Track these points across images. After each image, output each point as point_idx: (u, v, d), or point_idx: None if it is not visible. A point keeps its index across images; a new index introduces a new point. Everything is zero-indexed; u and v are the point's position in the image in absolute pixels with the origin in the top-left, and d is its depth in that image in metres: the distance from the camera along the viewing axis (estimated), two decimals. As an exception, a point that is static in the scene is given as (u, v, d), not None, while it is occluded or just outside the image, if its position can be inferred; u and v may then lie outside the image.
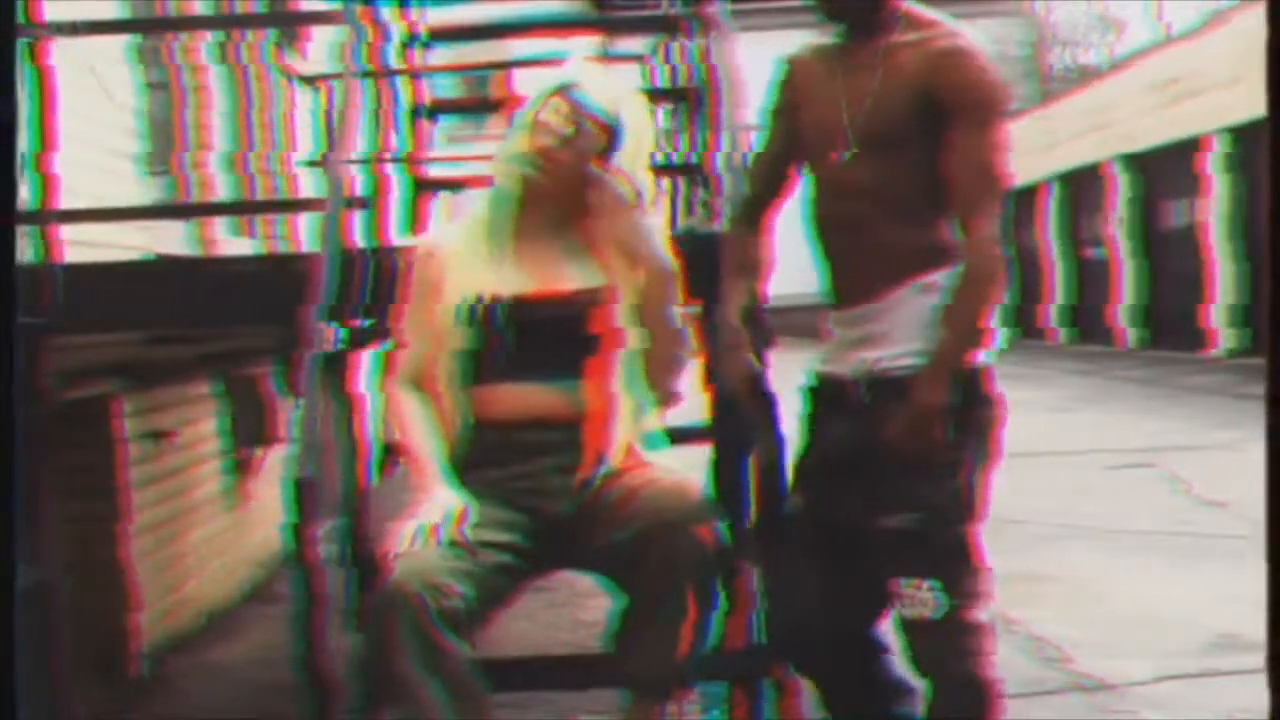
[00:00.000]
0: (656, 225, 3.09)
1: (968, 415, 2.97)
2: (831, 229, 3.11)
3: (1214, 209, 18.67)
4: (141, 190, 6.30)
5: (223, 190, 7.49)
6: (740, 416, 3.37)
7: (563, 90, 3.05)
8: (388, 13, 5.29)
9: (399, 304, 3.17)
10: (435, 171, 6.20)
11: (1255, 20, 13.85)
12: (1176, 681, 4.80)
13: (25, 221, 4.23)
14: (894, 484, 2.95)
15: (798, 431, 3.21)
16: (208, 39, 7.42)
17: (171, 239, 6.38)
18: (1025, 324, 25.83)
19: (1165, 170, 20.50)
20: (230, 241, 7.29)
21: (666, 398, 3.13)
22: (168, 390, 6.14)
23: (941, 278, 2.98)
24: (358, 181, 4.84)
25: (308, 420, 3.31)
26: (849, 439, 3.04)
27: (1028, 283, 25.77)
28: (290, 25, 8.57)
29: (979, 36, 3.03)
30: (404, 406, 3.09)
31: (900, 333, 2.99)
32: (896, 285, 3.00)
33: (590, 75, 3.11)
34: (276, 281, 3.80)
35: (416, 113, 5.66)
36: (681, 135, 5.80)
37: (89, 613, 5.11)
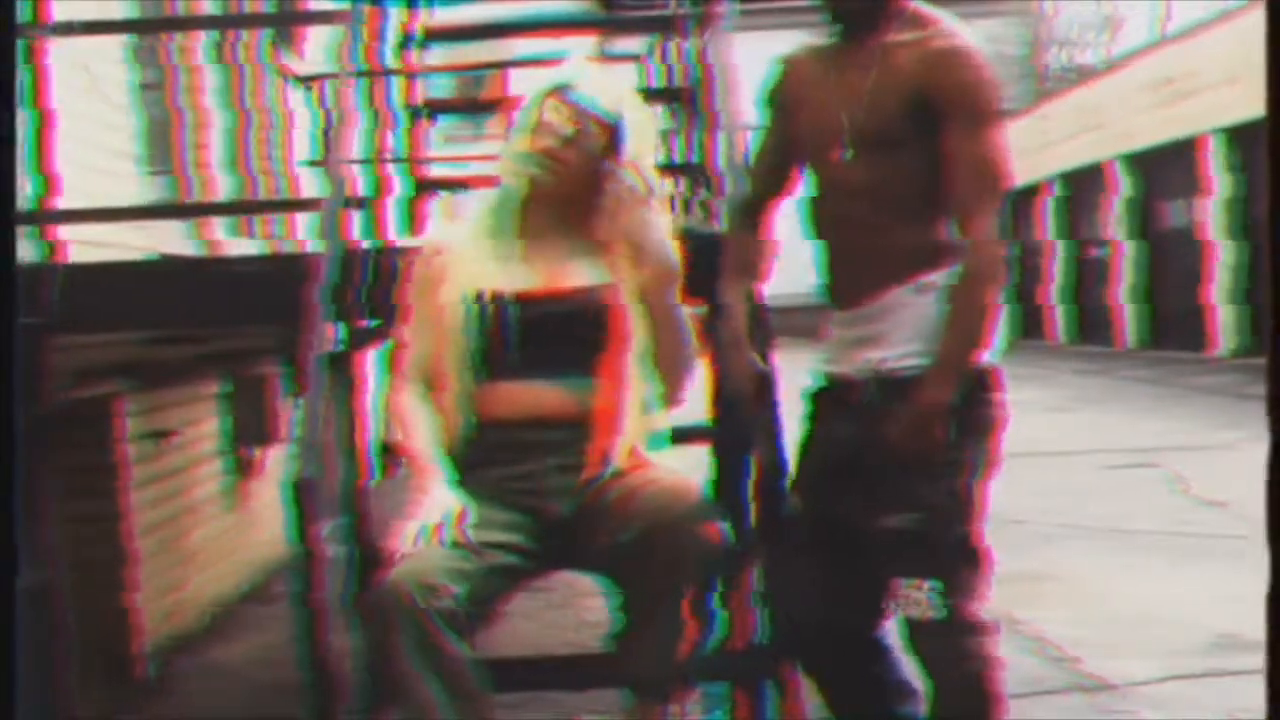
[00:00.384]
0: (664, 223, 3.09)
1: (970, 415, 2.97)
2: (831, 229, 3.11)
3: (1213, 208, 18.67)
4: (140, 190, 6.29)
5: (221, 190, 7.49)
6: (742, 416, 3.37)
7: (560, 91, 3.05)
8: (387, 13, 5.29)
9: (401, 303, 3.17)
10: (435, 171, 6.21)
11: (1253, 20, 13.86)
12: (1177, 681, 4.79)
13: (25, 221, 4.23)
14: (896, 484, 2.95)
15: (800, 431, 3.21)
16: (205, 39, 7.42)
17: (171, 239, 6.38)
18: (1025, 324, 25.84)
19: (1165, 170, 20.50)
20: (229, 242, 7.29)
21: (672, 397, 3.13)
22: (169, 390, 6.14)
23: (941, 277, 2.98)
24: (357, 181, 4.84)
25: (309, 420, 3.31)
26: (851, 439, 3.04)
27: (1028, 282, 25.77)
28: (288, 25, 8.57)
29: (976, 36, 3.03)
30: (406, 406, 3.09)
31: (901, 333, 2.99)
32: (896, 285, 3.00)
33: (588, 75, 3.11)
34: (277, 281, 3.79)
35: (415, 113, 5.66)
36: (680, 135, 5.80)
37: (90, 613, 5.11)
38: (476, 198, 3.29)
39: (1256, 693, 2.63)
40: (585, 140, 3.03)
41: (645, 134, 3.10)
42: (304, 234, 7.63)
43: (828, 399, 3.14)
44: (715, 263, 3.29)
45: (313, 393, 3.35)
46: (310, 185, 7.12)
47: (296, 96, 8.30)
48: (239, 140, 7.92)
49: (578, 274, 3.07)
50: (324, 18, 6.11)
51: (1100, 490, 8.90)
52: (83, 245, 4.82)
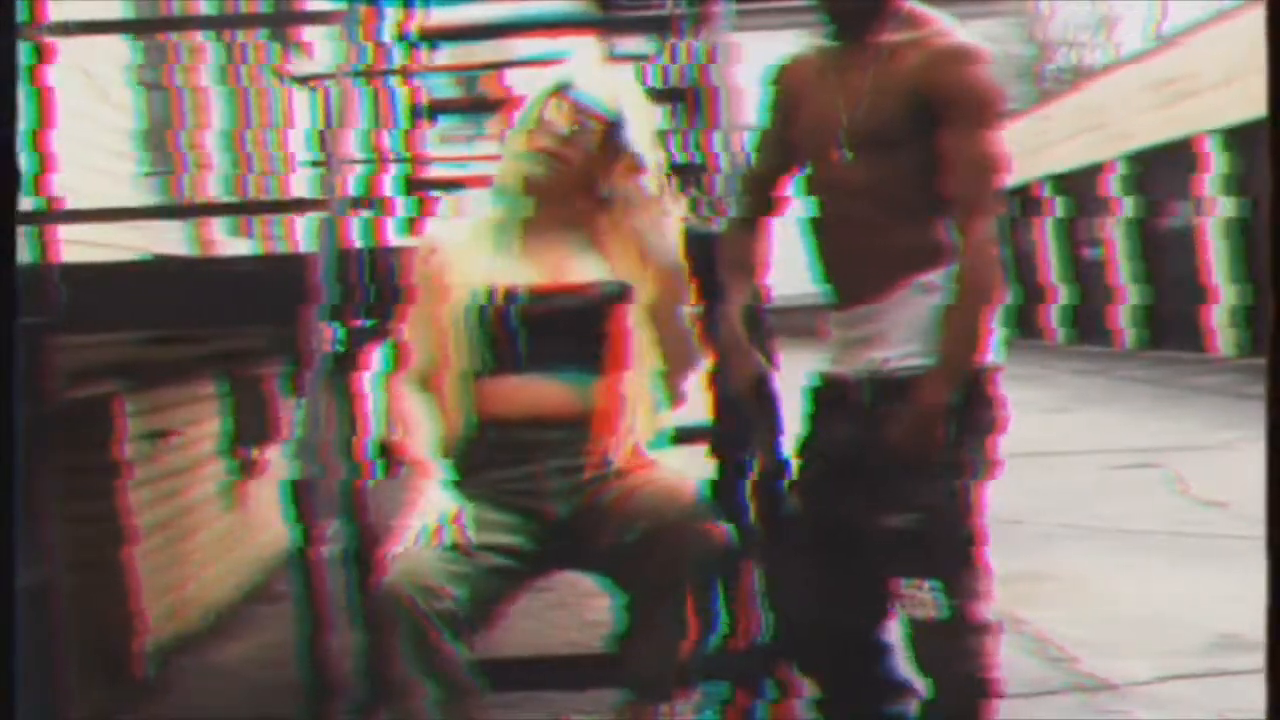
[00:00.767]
0: (672, 226, 3.09)
1: (970, 416, 2.97)
2: (830, 229, 3.11)
3: (1213, 209, 18.67)
4: (140, 190, 6.30)
5: (221, 190, 7.49)
6: (741, 416, 3.37)
7: (560, 90, 3.05)
8: (387, 13, 5.29)
9: (402, 303, 3.17)
10: (435, 171, 6.20)
11: (1252, 20, 13.85)
12: (1176, 681, 4.79)
13: (25, 221, 4.23)
14: (896, 484, 2.95)
15: (799, 431, 3.21)
16: (205, 40, 7.42)
17: (170, 239, 6.38)
18: (1025, 324, 25.83)
19: (1164, 170, 20.50)
20: (228, 241, 7.29)
21: (674, 397, 3.13)
22: (168, 390, 6.14)
23: (940, 277, 2.98)
24: (357, 182, 4.83)
25: (309, 420, 3.31)
26: (852, 439, 3.04)
27: (1027, 283, 25.77)
28: (288, 25, 8.57)
29: (974, 36, 3.03)
30: (406, 406, 3.09)
31: (900, 333, 2.99)
32: (895, 285, 3.00)
33: (587, 73, 3.11)
34: (276, 281, 3.80)
35: (415, 113, 5.66)
36: (680, 135, 5.80)
37: (90, 613, 5.11)
38: (477, 196, 3.28)
39: (1256, 693, 2.63)
40: (585, 137, 3.03)
41: (647, 130, 3.10)
42: (303, 234, 7.64)
43: (827, 399, 3.14)
44: (715, 263, 3.29)
45: (312, 393, 3.35)
46: (310, 185, 7.12)
47: (297, 96, 8.30)
48: (239, 141, 7.92)
49: (580, 270, 3.07)
50: (323, 18, 6.10)
51: (1100, 490, 8.90)
52: (82, 245, 4.82)
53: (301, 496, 3.21)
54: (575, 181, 3.06)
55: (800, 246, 3.15)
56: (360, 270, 3.66)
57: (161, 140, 6.80)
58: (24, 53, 4.51)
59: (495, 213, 3.13)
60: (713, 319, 3.28)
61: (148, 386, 5.80)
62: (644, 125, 3.09)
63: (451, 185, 5.77)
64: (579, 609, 5.72)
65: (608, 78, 3.14)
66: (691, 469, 3.20)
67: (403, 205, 5.35)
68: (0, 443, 2.52)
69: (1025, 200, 25.29)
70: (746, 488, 3.46)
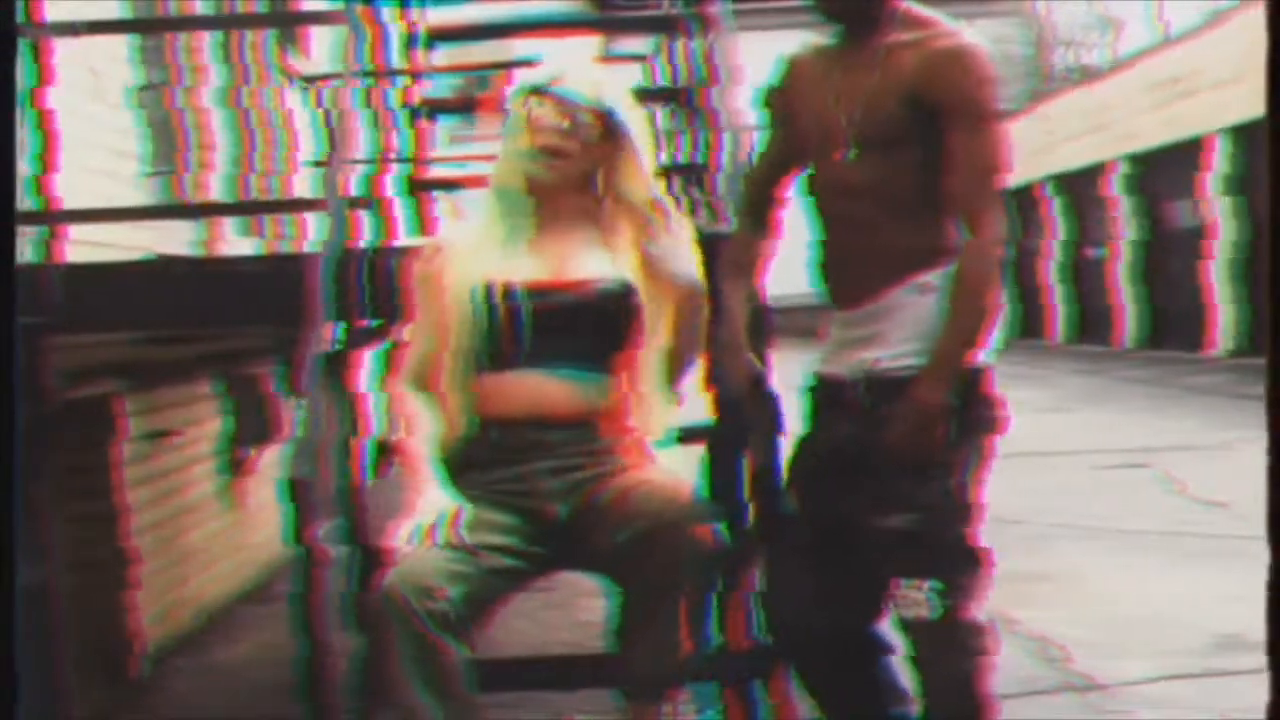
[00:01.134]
0: (689, 243, 3.11)
1: (967, 416, 2.97)
2: (831, 228, 3.11)
3: (1213, 209, 18.68)
4: (141, 190, 6.30)
5: (223, 190, 7.49)
6: (739, 416, 3.37)
7: (538, 89, 3.06)
8: (388, 13, 5.30)
9: (402, 302, 3.17)
10: (435, 171, 6.21)
11: (1254, 20, 13.85)
12: (1174, 681, 4.80)
13: (25, 221, 4.23)
14: (893, 484, 2.95)
15: (798, 431, 3.21)
16: (207, 39, 7.42)
17: (173, 239, 6.39)
18: (1024, 323, 25.83)
19: (1165, 170, 20.50)
20: (238, 241, 7.30)
21: (672, 397, 3.14)
22: (168, 390, 6.14)
23: (940, 277, 2.98)
24: (358, 181, 4.84)
25: (308, 420, 3.31)
26: (848, 439, 3.04)
27: (1027, 283, 25.77)
28: (290, 25, 8.58)
29: (977, 36, 3.04)
30: (405, 405, 3.09)
31: (899, 333, 2.99)
32: (894, 285, 3.00)
33: (572, 71, 3.12)
34: (277, 281, 3.80)
35: (415, 113, 5.67)
36: (682, 136, 5.80)
37: (89, 613, 5.11)
38: (479, 196, 3.28)
39: (1254, 693, 2.64)
40: (582, 131, 3.04)
41: (639, 127, 3.12)
42: (313, 234, 7.64)
43: (825, 399, 3.14)
44: (715, 263, 3.30)
45: (312, 393, 3.36)
46: (312, 185, 7.12)
47: (298, 97, 8.30)
48: (241, 140, 7.92)
49: (585, 266, 3.07)
50: (324, 18, 6.11)
51: (1098, 490, 8.90)
52: (83, 245, 4.82)
53: (300, 496, 3.21)
54: (575, 177, 3.06)
55: (800, 246, 3.15)
56: (361, 270, 3.66)
57: (165, 140, 6.80)
58: (24, 53, 4.52)
59: (496, 212, 3.13)
60: (712, 319, 3.28)
61: (147, 386, 5.80)
62: (636, 121, 3.10)
63: (451, 185, 5.78)
64: (576, 609, 5.73)
65: (592, 73, 3.15)
66: (690, 468, 3.21)
67: (403, 205, 5.36)
68: (0, 443, 2.52)
69: (1026, 200, 25.29)
70: (743, 488, 3.46)
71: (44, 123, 4.67)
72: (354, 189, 4.61)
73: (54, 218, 4.58)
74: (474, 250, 3.08)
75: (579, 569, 3.13)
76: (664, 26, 5.91)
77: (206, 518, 6.66)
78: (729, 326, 3.21)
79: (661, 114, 6.37)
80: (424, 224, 5.44)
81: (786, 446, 3.28)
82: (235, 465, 7.11)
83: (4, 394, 2.53)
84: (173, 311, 4.05)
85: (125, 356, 5.17)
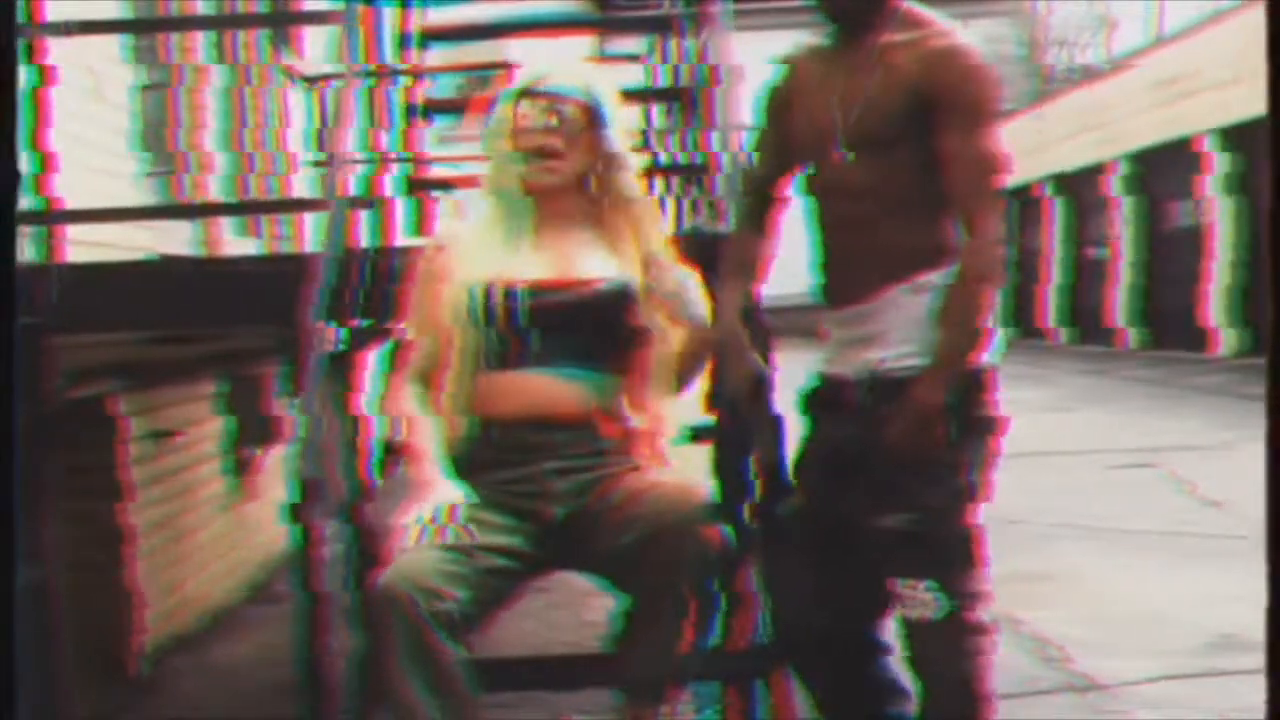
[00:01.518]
0: (696, 283, 3.16)
1: (968, 415, 2.97)
2: (829, 229, 3.11)
3: (1213, 208, 18.67)
4: (140, 190, 6.30)
5: (221, 190, 7.50)
6: (742, 416, 3.37)
7: (526, 91, 3.07)
8: (387, 13, 5.29)
9: (404, 302, 3.17)
10: (435, 171, 6.20)
11: (1252, 19, 13.85)
12: (1174, 681, 4.80)
13: (25, 221, 4.23)
14: (893, 484, 2.95)
15: (798, 431, 3.21)
16: (205, 39, 7.42)
17: (172, 239, 6.39)
18: (1025, 324, 25.83)
19: (1164, 170, 20.50)
20: (236, 241, 7.30)
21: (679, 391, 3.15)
22: (169, 390, 6.14)
23: (938, 277, 2.98)
24: (357, 181, 4.84)
25: (309, 420, 3.31)
26: (849, 439, 3.04)
27: (1027, 282, 25.77)
28: (288, 25, 8.57)
29: (974, 36, 3.04)
30: (408, 404, 3.09)
31: (898, 333, 3.00)
32: (894, 285, 3.00)
33: (555, 67, 3.13)
34: (277, 281, 3.80)
35: (413, 112, 5.66)
36: (680, 135, 5.80)
37: (90, 612, 5.11)
38: (475, 197, 3.29)
39: (1254, 693, 2.64)
40: (568, 125, 3.05)
41: (626, 120, 3.15)
42: (310, 234, 7.64)
43: (825, 399, 3.14)
44: (715, 263, 3.30)
45: (312, 393, 3.36)
46: (311, 185, 7.12)
47: (297, 96, 8.30)
48: (240, 140, 7.92)
49: (586, 266, 3.08)
50: (323, 18, 6.10)
51: (1099, 490, 8.90)
52: (83, 245, 4.82)
53: (303, 496, 3.21)
54: (570, 176, 3.07)
55: (800, 246, 3.15)
56: (361, 270, 3.66)
57: (163, 140, 6.80)
58: (24, 52, 4.52)
59: (494, 213, 3.13)
60: (713, 319, 3.28)
61: (148, 386, 5.80)
62: (621, 114, 3.12)
63: (451, 185, 5.78)
64: (578, 609, 5.73)
65: (575, 67, 3.17)
66: (702, 469, 3.21)
67: (403, 205, 5.36)
68: (0, 443, 2.52)
69: (1026, 200, 25.28)
70: (745, 488, 3.46)
71: (44, 123, 4.67)
72: (354, 189, 4.61)
73: (54, 217, 4.58)
74: (475, 250, 3.08)
75: (580, 570, 3.13)
76: (661, 26, 5.91)
77: (207, 518, 6.66)
78: (729, 327, 3.20)
79: (659, 114, 6.37)
80: (424, 224, 5.44)
81: (790, 446, 3.28)
82: (237, 465, 7.11)
83: (4, 394, 2.53)
84: (173, 311, 4.05)
85: (125, 356, 5.17)
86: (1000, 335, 3.04)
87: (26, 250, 4.24)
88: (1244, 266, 17.96)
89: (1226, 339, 18.44)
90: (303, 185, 7.88)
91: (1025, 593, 5.94)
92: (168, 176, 6.81)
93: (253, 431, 7.31)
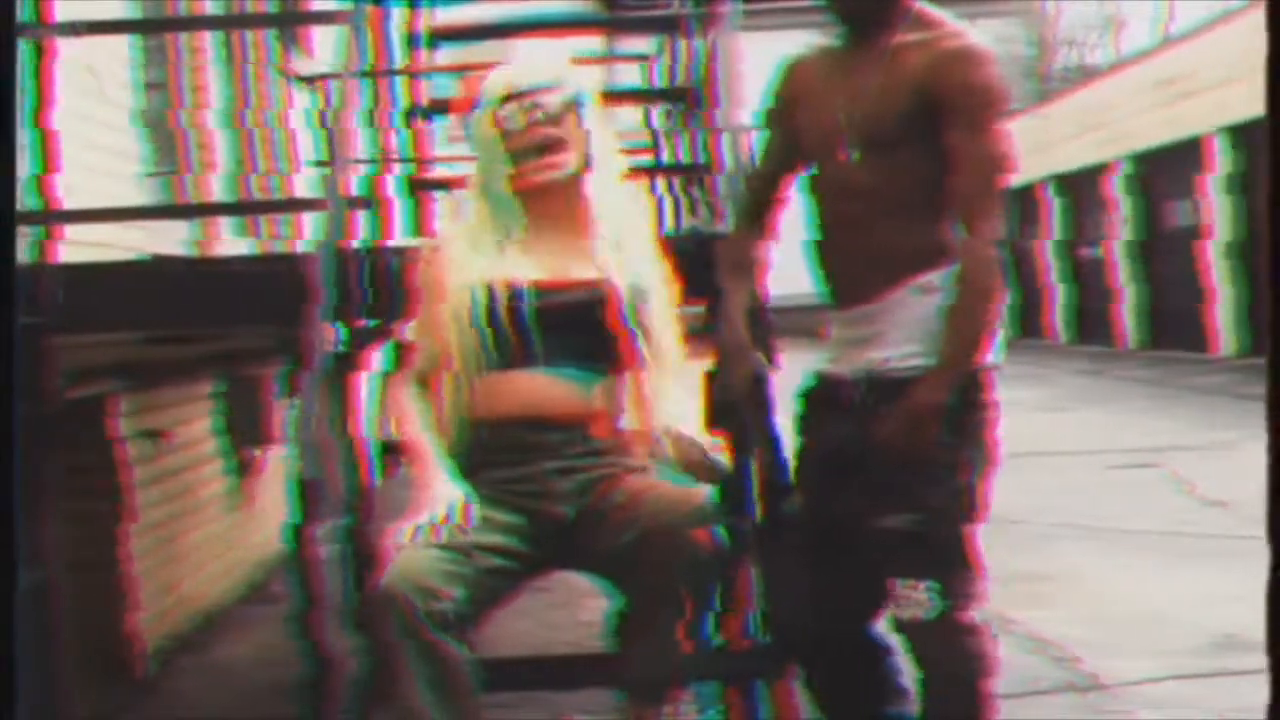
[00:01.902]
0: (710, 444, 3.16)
1: (968, 416, 2.97)
2: (834, 229, 3.11)
3: (1214, 208, 18.67)
4: (141, 190, 6.29)
5: (222, 190, 7.49)
6: (742, 416, 3.37)
7: (508, 96, 3.07)
8: (390, 13, 5.29)
9: (404, 302, 3.17)
10: (436, 172, 6.21)
11: (1255, 20, 13.83)
12: (1175, 681, 4.80)
13: (25, 221, 4.23)
14: (893, 484, 2.95)
15: (798, 431, 3.21)
16: (208, 39, 7.42)
17: (171, 239, 6.38)
18: (1025, 324, 25.83)
19: (1165, 170, 20.50)
20: (235, 241, 7.29)
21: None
22: (168, 390, 6.14)
23: (942, 277, 2.98)
24: (357, 181, 4.83)
25: (308, 420, 3.31)
26: (849, 439, 3.04)
27: (1028, 283, 25.76)
28: (291, 25, 8.57)
29: (983, 36, 3.03)
30: (408, 403, 3.09)
31: (901, 332, 2.99)
32: (896, 285, 3.00)
33: (522, 65, 3.14)
34: (275, 281, 3.79)
35: (414, 113, 5.66)
36: (682, 135, 5.79)
37: (89, 613, 5.10)
38: (466, 198, 3.28)
39: (1255, 693, 2.63)
40: (556, 117, 3.05)
41: (606, 115, 3.18)
42: (310, 234, 7.63)
43: (827, 399, 3.14)
44: (715, 262, 3.29)
45: (312, 393, 3.35)
46: (312, 185, 7.12)
47: (300, 96, 8.30)
48: (242, 140, 7.92)
49: (582, 267, 3.08)
50: (326, 18, 6.10)
51: (1100, 490, 8.90)
52: (82, 245, 4.82)
53: (302, 496, 3.21)
54: (572, 164, 3.07)
55: (800, 246, 3.15)
56: (361, 270, 3.66)
57: (165, 140, 6.80)
58: (25, 52, 4.51)
59: (487, 215, 3.13)
60: (713, 319, 3.28)
61: (147, 386, 5.80)
62: (592, 86, 3.13)
63: (452, 185, 5.77)
64: (577, 609, 5.72)
65: (547, 62, 3.17)
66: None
67: (404, 205, 5.35)
68: (0, 443, 2.52)
69: (1027, 200, 25.28)
70: (748, 488, 3.46)
71: (46, 122, 4.66)
72: (354, 189, 4.61)
73: (53, 218, 4.58)
74: (473, 251, 3.09)
75: (579, 570, 3.13)
76: (667, 26, 5.90)
77: (206, 518, 6.66)
78: (731, 327, 3.20)
79: (660, 114, 6.37)
80: (424, 224, 5.43)
81: (787, 446, 3.27)
82: (236, 466, 7.11)
83: (4, 394, 2.53)
84: (172, 311, 4.05)
85: (125, 356, 5.16)
86: (1001, 336, 3.04)
87: (26, 250, 4.24)
88: (1244, 267, 17.95)
89: (1226, 339, 18.43)
90: (303, 185, 7.88)
91: (1026, 593, 5.94)
92: (167, 176, 6.81)
93: (252, 432, 7.30)
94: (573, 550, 3.02)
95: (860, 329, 3.05)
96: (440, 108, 5.85)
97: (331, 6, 6.07)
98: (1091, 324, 23.80)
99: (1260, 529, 2.47)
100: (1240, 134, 17.47)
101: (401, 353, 3.16)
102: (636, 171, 5.91)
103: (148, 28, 6.59)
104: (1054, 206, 25.27)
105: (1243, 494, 7.62)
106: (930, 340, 2.96)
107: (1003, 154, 2.96)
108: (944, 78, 2.95)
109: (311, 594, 3.16)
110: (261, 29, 8.11)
